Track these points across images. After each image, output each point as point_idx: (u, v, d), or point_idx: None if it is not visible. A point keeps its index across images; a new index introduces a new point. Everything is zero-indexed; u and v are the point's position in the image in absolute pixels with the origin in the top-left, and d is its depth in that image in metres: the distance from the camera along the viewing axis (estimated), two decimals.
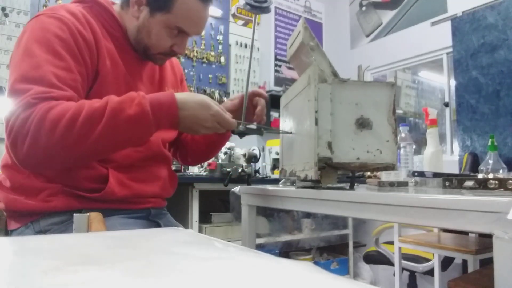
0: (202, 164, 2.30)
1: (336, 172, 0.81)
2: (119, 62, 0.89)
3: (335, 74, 0.78)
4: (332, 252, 3.01)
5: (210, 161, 2.16)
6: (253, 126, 0.97)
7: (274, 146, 2.62)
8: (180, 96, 0.79)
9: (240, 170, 2.11)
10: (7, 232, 0.89)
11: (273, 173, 2.55)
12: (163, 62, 1.01)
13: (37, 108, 0.70)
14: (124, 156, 0.88)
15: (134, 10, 0.90)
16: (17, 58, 0.77)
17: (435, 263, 2.02)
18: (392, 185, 0.92)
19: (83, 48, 0.81)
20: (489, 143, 1.23)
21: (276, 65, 3.62)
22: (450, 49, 2.82)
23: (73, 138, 0.71)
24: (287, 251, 2.75)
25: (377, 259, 2.38)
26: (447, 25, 2.86)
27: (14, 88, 0.73)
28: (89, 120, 0.71)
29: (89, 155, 0.77)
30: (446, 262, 2.10)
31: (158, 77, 1.03)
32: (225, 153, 2.30)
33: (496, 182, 0.74)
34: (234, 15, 3.35)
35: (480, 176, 1.02)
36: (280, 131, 1.04)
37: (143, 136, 0.79)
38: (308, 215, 2.68)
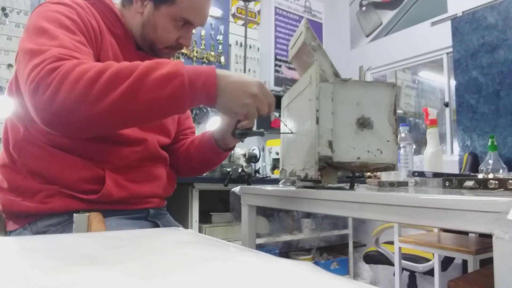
0: None
1: (336, 172, 0.81)
2: (120, 58, 0.89)
3: (336, 74, 0.78)
4: (332, 252, 3.01)
5: None
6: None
7: (274, 146, 2.62)
8: (220, 70, 0.73)
9: (240, 170, 2.11)
10: (6, 234, 0.89)
11: (273, 173, 2.55)
12: (169, 57, 1.00)
13: (68, 62, 0.66)
14: (121, 157, 0.88)
15: (137, 6, 0.90)
16: (27, 38, 0.74)
17: (435, 263, 2.02)
18: (392, 185, 0.92)
19: (91, 33, 0.82)
20: (489, 143, 1.23)
21: (276, 65, 3.62)
22: (450, 49, 2.83)
23: (94, 93, 0.64)
24: (287, 251, 2.75)
25: (377, 259, 2.38)
26: (447, 25, 2.86)
27: (35, 48, 0.69)
28: (116, 75, 0.66)
29: (110, 116, 0.68)
30: (446, 262, 2.10)
31: None
32: None
33: (496, 182, 0.74)
34: (234, 15, 3.35)
35: (480, 176, 1.02)
36: (281, 132, 1.04)
37: (174, 99, 0.68)
38: (308, 215, 2.68)
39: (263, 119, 3.31)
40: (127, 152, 0.89)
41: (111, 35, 0.89)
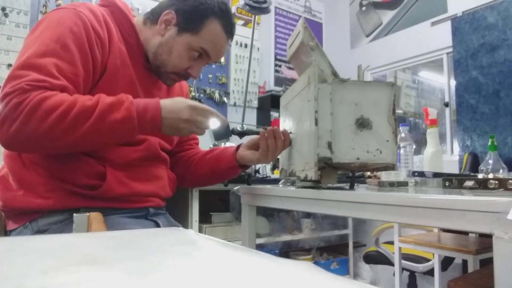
0: None
1: (336, 172, 0.81)
2: (129, 65, 0.92)
3: (335, 74, 0.78)
4: (332, 252, 3.00)
5: None
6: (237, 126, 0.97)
7: None
8: (164, 102, 0.82)
9: None
10: (5, 233, 0.89)
11: (273, 173, 2.54)
12: (172, 83, 1.03)
13: (32, 95, 0.72)
14: (122, 155, 0.89)
15: (161, 28, 0.94)
16: (28, 41, 0.81)
17: (435, 263, 2.02)
18: (392, 185, 0.92)
19: (94, 44, 0.84)
20: (489, 143, 1.23)
21: (276, 65, 3.62)
22: (450, 49, 2.82)
23: (60, 131, 0.73)
24: (287, 251, 2.75)
25: (377, 259, 2.38)
26: (447, 25, 2.86)
27: (13, 74, 0.75)
28: (79, 117, 0.74)
29: (72, 147, 0.79)
30: (446, 262, 2.10)
31: (165, 89, 1.05)
32: None
33: (496, 182, 0.74)
34: (234, 15, 3.35)
35: (480, 176, 1.02)
36: (280, 132, 1.04)
37: (125, 137, 0.82)
38: (308, 215, 2.68)
39: (263, 118, 3.31)
40: (128, 150, 0.90)
41: (123, 43, 0.92)
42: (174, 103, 0.83)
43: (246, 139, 1.11)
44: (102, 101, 0.77)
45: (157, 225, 0.94)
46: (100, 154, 0.86)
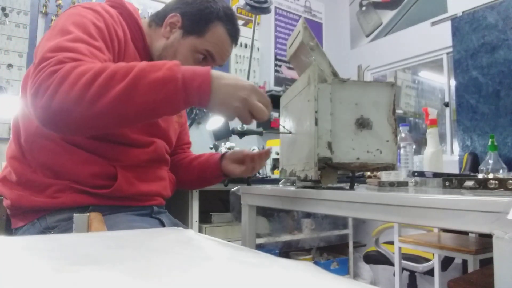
0: None
1: (336, 172, 0.81)
2: None
3: (335, 74, 0.78)
4: (332, 252, 3.01)
5: None
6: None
7: (274, 146, 2.62)
8: (217, 72, 0.72)
9: None
10: (8, 232, 0.89)
11: (273, 173, 2.54)
12: None
13: (67, 65, 0.66)
14: (132, 156, 0.91)
15: (166, 31, 0.94)
16: (49, 35, 0.76)
17: (435, 263, 2.02)
18: (392, 185, 0.92)
19: (115, 41, 0.84)
20: (489, 143, 1.23)
21: (276, 65, 3.62)
22: (450, 49, 2.83)
23: (90, 94, 0.64)
24: (287, 251, 2.75)
25: (377, 259, 2.38)
26: (447, 25, 2.86)
27: (45, 55, 0.69)
28: (112, 77, 0.65)
29: (105, 117, 0.67)
30: (446, 262, 2.10)
31: None
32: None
33: (496, 182, 0.74)
34: None
35: (480, 176, 1.02)
36: (280, 132, 1.04)
37: (168, 103, 0.67)
38: (308, 215, 2.68)
39: None
40: (138, 152, 0.92)
41: (134, 46, 0.92)
42: (232, 78, 0.71)
43: (246, 139, 1.11)
44: (142, 62, 0.68)
45: (161, 223, 0.96)
46: (111, 155, 0.87)
